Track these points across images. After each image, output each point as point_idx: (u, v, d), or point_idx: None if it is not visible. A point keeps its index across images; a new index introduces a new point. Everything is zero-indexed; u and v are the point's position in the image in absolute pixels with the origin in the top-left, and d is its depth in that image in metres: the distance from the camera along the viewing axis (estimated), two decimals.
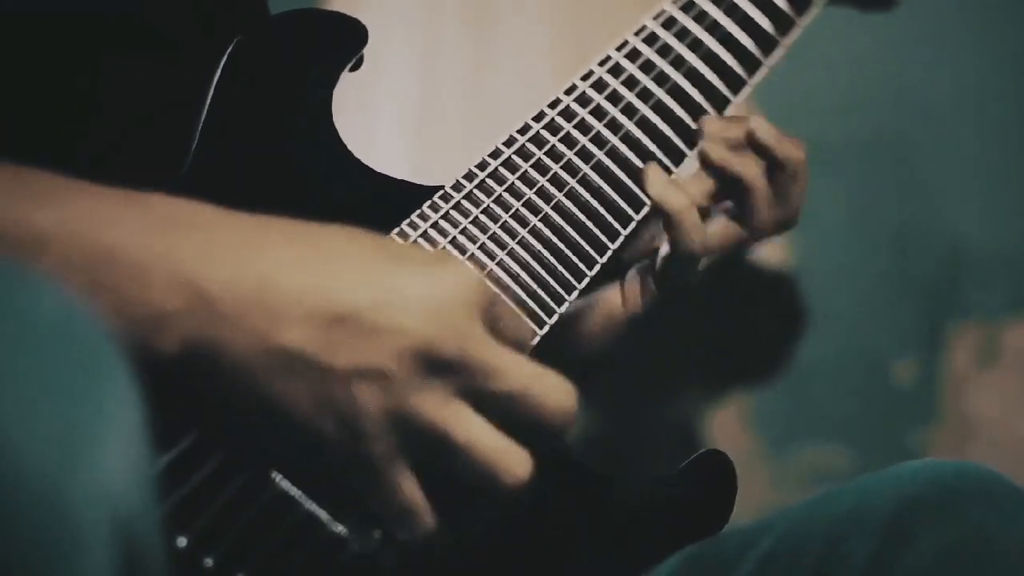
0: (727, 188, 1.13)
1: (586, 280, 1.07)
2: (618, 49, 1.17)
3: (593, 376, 1.15)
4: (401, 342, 0.80)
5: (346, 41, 1.05)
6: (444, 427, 0.81)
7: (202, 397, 0.80)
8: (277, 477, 0.86)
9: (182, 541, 0.82)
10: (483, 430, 0.82)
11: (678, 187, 1.10)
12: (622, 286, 1.15)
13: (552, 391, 0.84)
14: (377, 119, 2.19)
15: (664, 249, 1.11)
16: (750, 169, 1.13)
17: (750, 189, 1.13)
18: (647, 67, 1.16)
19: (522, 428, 0.84)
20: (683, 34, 1.18)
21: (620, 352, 1.14)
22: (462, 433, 0.81)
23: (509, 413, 0.83)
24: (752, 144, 1.13)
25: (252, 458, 0.85)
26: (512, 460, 0.83)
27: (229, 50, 1.01)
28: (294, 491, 0.86)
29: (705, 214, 1.13)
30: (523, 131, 1.10)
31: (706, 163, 1.12)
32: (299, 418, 0.80)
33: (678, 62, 1.17)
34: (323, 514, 0.87)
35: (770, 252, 2.39)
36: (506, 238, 1.04)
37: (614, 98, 1.14)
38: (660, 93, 1.15)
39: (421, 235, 1.02)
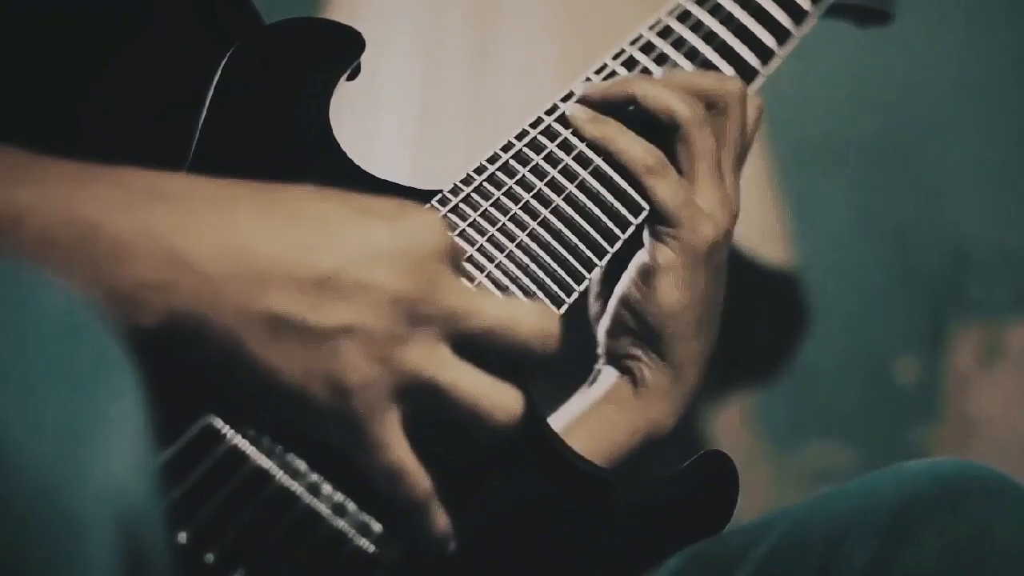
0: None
1: (585, 282, 1.07)
2: (615, 57, 1.17)
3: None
4: (378, 296, 0.81)
5: (342, 50, 1.05)
6: (431, 373, 0.82)
7: (189, 369, 0.81)
8: (278, 474, 0.87)
9: (183, 537, 0.82)
10: (468, 371, 0.83)
11: (602, 118, 1.10)
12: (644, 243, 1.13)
13: (527, 318, 0.85)
14: (379, 122, 2.19)
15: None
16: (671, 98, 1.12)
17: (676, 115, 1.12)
18: (660, 59, 1.17)
19: (507, 362, 0.85)
20: (679, 43, 1.18)
21: (699, 307, 1.12)
22: (448, 376, 0.83)
23: (490, 349, 0.85)
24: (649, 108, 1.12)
25: (246, 426, 0.86)
26: (502, 397, 0.84)
27: (225, 59, 1.01)
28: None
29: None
30: (521, 136, 1.11)
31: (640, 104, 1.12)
32: (288, 382, 0.81)
33: (692, 54, 1.18)
34: (324, 510, 0.88)
35: (771, 251, 2.39)
36: (504, 240, 1.04)
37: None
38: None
39: None
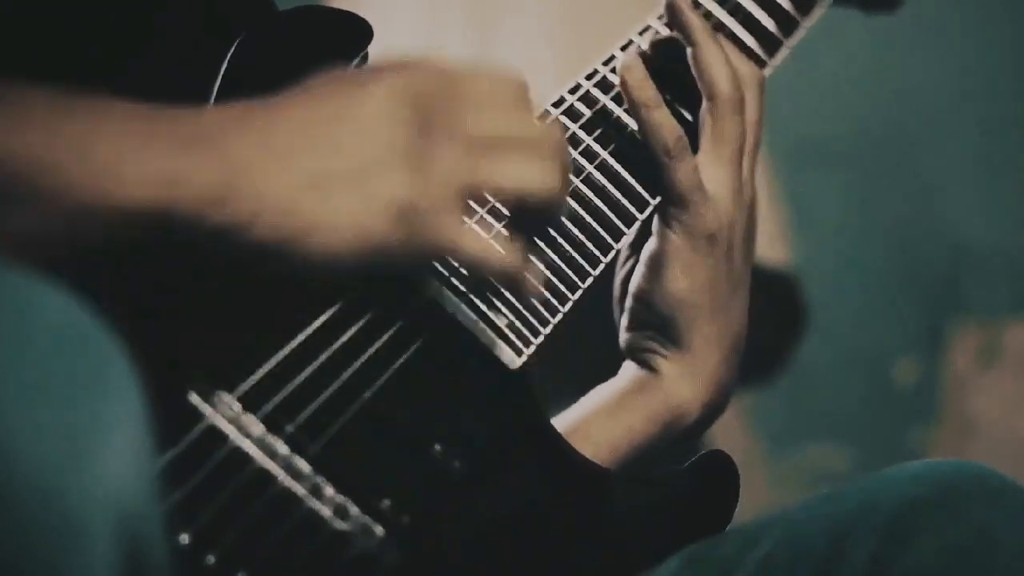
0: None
1: (612, 252, 1.09)
2: (641, 32, 1.17)
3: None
4: (391, 157, 0.90)
5: (351, 38, 1.05)
6: (472, 175, 0.91)
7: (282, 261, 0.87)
8: (280, 476, 0.87)
9: (184, 538, 0.82)
10: (504, 161, 0.92)
11: (651, 84, 1.13)
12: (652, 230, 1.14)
13: (495, 83, 0.94)
14: None
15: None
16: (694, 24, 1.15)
17: (692, 53, 1.14)
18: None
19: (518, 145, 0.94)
20: (705, 17, 1.18)
21: (711, 291, 1.14)
22: (488, 171, 0.92)
23: (507, 135, 0.93)
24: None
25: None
26: (546, 171, 0.93)
27: (234, 46, 1.01)
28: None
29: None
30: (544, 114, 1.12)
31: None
32: (351, 231, 0.89)
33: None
34: (326, 512, 0.88)
35: (771, 251, 2.39)
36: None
37: (604, 113, 1.14)
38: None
39: None
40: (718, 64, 1.13)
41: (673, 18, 1.15)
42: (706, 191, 1.11)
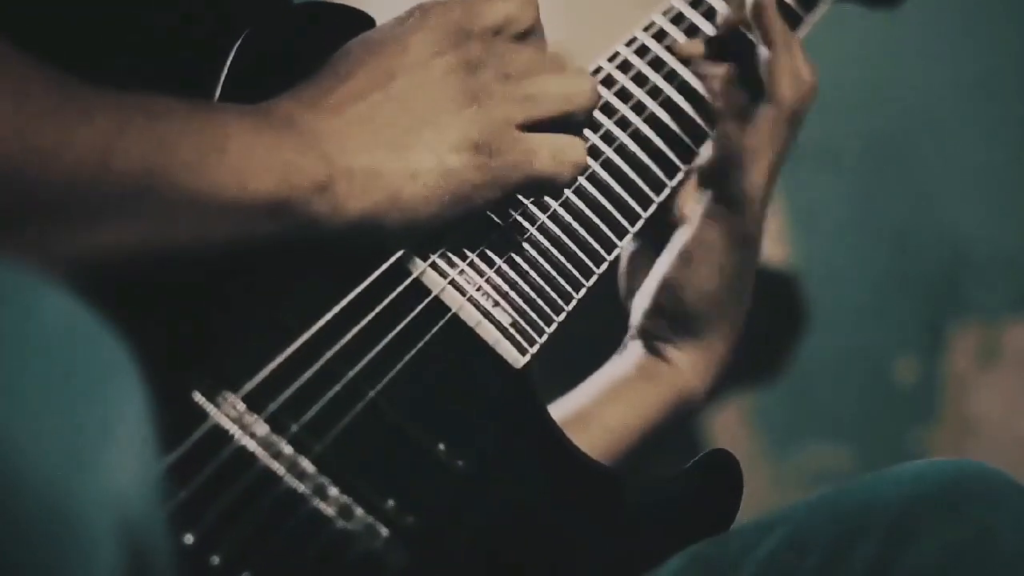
0: (740, 80, 1.17)
1: (628, 235, 1.10)
2: (645, 29, 1.18)
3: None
4: (448, 101, 0.95)
5: (355, 34, 1.06)
6: (522, 100, 0.97)
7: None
8: (284, 476, 0.87)
9: (189, 539, 0.82)
10: (544, 83, 0.97)
11: None
12: (689, 226, 1.15)
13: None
14: None
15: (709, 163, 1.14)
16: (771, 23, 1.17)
17: (760, 59, 1.17)
18: (656, 64, 1.17)
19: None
20: (692, 31, 1.19)
21: (734, 290, 1.16)
22: (534, 92, 0.97)
23: (535, 56, 0.98)
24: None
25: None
26: (578, 81, 0.99)
27: (239, 41, 1.01)
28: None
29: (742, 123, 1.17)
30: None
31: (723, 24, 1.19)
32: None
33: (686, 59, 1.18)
34: (330, 512, 0.88)
35: (771, 251, 2.39)
36: (536, 211, 1.06)
37: (623, 95, 1.15)
38: (670, 90, 1.16)
39: None
40: (790, 73, 1.15)
41: (757, 17, 1.16)
42: (761, 198, 1.14)
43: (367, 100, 0.93)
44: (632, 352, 1.18)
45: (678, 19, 1.20)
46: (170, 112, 0.87)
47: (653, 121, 1.14)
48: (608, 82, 1.15)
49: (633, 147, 1.13)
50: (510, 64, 0.97)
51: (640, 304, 1.17)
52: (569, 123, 0.99)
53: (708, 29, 1.20)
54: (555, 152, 0.97)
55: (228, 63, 1.00)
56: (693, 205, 1.17)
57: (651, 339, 1.17)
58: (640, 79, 1.15)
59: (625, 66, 1.16)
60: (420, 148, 0.93)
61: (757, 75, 1.17)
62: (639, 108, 1.14)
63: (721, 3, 1.21)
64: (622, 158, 1.12)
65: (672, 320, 1.16)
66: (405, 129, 0.93)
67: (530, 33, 0.99)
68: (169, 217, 0.85)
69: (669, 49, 1.17)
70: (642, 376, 1.17)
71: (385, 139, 0.92)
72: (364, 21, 1.06)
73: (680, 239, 1.15)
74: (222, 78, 0.99)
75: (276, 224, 0.88)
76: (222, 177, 0.86)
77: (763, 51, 1.16)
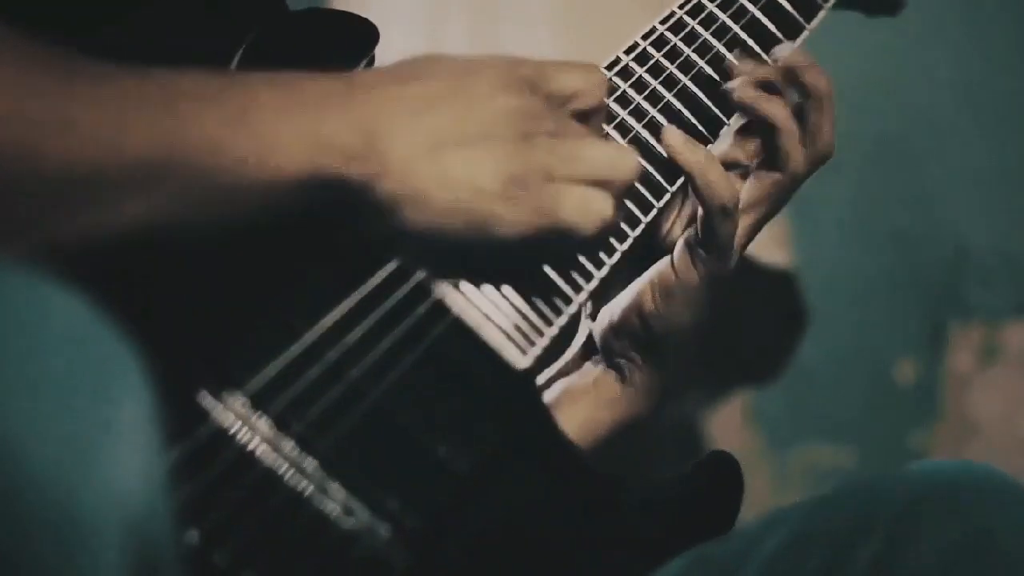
0: (758, 132, 1.16)
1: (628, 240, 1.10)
2: (627, 52, 1.17)
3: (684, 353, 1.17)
4: (501, 131, 0.94)
5: (358, 41, 1.06)
6: (567, 157, 0.95)
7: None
8: (288, 475, 0.87)
9: (193, 537, 0.82)
10: (589, 144, 0.97)
11: (695, 144, 1.13)
12: (672, 260, 1.15)
13: (574, 71, 0.99)
14: None
15: (700, 210, 1.13)
16: (778, 109, 1.16)
17: (779, 129, 1.14)
18: (655, 71, 1.17)
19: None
20: (691, 38, 1.19)
21: (700, 325, 1.16)
22: (580, 148, 0.96)
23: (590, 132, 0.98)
24: (783, 71, 1.17)
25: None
26: (625, 155, 0.98)
27: (241, 49, 1.01)
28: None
29: (745, 174, 1.17)
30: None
31: (734, 103, 1.16)
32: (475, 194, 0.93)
33: (686, 66, 1.18)
34: (334, 511, 0.88)
35: (771, 251, 2.39)
36: None
37: (639, 86, 1.15)
38: (669, 96, 1.16)
39: None
40: (811, 143, 1.15)
41: (793, 75, 1.17)
42: (738, 249, 1.14)
43: (425, 100, 0.92)
44: (592, 367, 1.18)
45: (677, 27, 1.19)
46: (189, 85, 0.86)
47: (637, 141, 1.13)
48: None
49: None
50: (564, 130, 0.97)
51: (607, 318, 1.17)
52: (605, 190, 0.98)
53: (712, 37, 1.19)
54: (583, 203, 0.95)
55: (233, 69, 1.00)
56: (679, 236, 1.16)
57: (612, 355, 1.16)
58: (623, 100, 1.15)
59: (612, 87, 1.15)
60: (459, 162, 0.92)
61: (775, 137, 1.17)
62: (624, 131, 1.13)
63: (720, 11, 1.21)
64: None
65: (637, 343, 1.15)
66: (451, 140, 0.92)
67: (592, 115, 0.99)
68: (190, 195, 0.84)
69: (652, 71, 1.17)
70: (597, 389, 1.17)
71: (430, 140, 0.91)
72: (366, 28, 1.06)
73: (660, 269, 1.14)
74: None
75: (304, 197, 0.88)
76: (245, 152, 0.85)
77: (782, 116, 1.17)
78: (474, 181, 0.92)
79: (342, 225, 0.92)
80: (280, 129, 0.86)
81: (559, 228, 0.95)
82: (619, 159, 0.97)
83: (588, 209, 0.95)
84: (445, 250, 0.94)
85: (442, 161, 0.91)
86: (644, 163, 1.11)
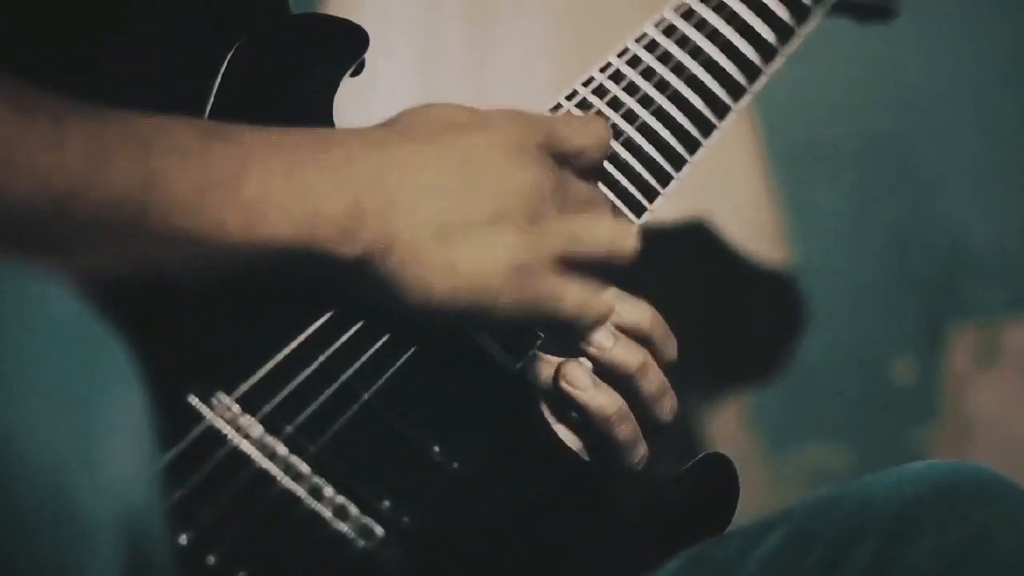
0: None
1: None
2: (619, 55, 1.16)
3: None
4: (512, 215, 0.93)
5: (348, 46, 1.06)
6: (571, 237, 0.95)
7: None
8: (280, 477, 0.87)
9: (184, 539, 0.82)
10: (593, 223, 0.96)
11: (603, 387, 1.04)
12: None
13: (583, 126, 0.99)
14: (376, 121, 2.19)
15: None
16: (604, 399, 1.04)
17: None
18: (648, 73, 1.16)
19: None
20: (683, 41, 1.18)
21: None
22: (584, 225, 0.96)
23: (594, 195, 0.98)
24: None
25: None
26: (625, 231, 0.98)
27: (231, 54, 1.01)
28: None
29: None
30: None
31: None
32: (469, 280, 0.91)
33: (679, 69, 1.17)
34: (326, 512, 0.88)
35: (770, 251, 2.39)
36: None
37: (615, 104, 1.14)
38: (661, 99, 1.15)
39: None
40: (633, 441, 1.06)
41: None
42: None
43: (431, 172, 0.91)
44: None
45: (669, 30, 1.19)
46: (173, 141, 0.84)
47: (617, 156, 1.12)
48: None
49: (615, 174, 1.12)
50: (570, 195, 0.96)
51: None
52: (605, 269, 0.97)
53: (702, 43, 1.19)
54: (584, 299, 0.95)
55: (220, 74, 1.00)
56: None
57: None
58: (615, 103, 1.14)
59: (584, 104, 1.14)
60: (467, 251, 0.91)
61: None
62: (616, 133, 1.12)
63: (712, 14, 1.21)
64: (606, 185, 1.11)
65: None
66: (459, 223, 0.91)
67: (594, 171, 0.99)
68: (161, 251, 0.83)
69: (612, 103, 1.15)
70: None
71: (438, 222, 0.90)
72: (358, 34, 1.06)
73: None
74: (215, 89, 0.99)
75: (298, 264, 0.87)
76: (228, 216, 0.84)
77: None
78: (481, 271, 0.91)
79: (330, 289, 0.91)
80: (270, 199, 0.85)
81: (557, 321, 0.95)
82: (620, 238, 0.96)
83: (587, 306, 0.95)
84: (439, 324, 0.94)
85: (449, 248, 0.90)
86: (635, 164, 1.11)
